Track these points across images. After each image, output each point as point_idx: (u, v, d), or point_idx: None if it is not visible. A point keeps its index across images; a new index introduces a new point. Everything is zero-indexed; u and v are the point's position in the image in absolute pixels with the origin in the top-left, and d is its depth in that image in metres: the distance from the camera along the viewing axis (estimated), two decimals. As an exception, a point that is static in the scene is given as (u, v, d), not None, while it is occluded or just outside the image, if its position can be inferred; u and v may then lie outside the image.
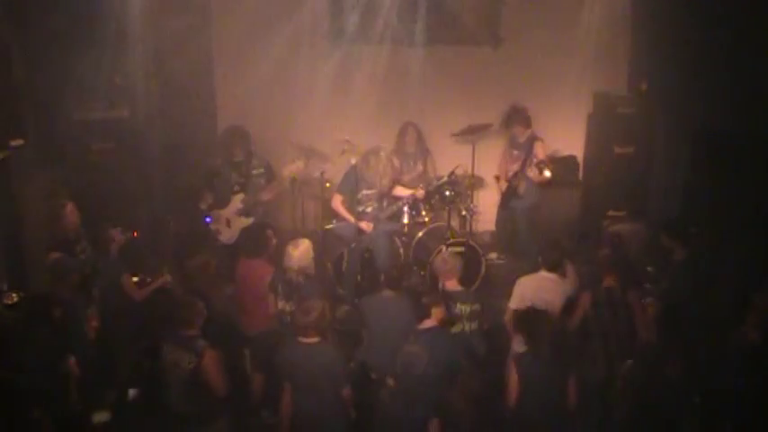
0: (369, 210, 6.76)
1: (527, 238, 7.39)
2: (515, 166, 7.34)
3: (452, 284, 5.45)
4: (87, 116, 7.00)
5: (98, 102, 7.05)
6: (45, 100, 6.64)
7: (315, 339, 4.54)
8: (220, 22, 7.94)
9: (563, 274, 5.44)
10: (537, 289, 5.27)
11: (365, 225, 6.61)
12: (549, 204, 7.86)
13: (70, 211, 5.71)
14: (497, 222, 7.91)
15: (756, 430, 4.30)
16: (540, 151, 7.16)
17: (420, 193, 6.91)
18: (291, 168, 7.08)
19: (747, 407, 4.27)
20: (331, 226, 7.08)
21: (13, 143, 5.68)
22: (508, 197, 7.48)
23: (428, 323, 4.85)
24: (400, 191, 6.97)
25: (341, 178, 6.97)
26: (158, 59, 7.35)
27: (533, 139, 7.25)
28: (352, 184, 6.70)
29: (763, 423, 4.22)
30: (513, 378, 4.59)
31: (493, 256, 7.67)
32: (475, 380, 5.10)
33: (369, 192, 6.71)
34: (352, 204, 6.70)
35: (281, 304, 5.36)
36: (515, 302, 5.28)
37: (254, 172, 7.01)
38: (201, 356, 4.46)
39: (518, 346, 5.26)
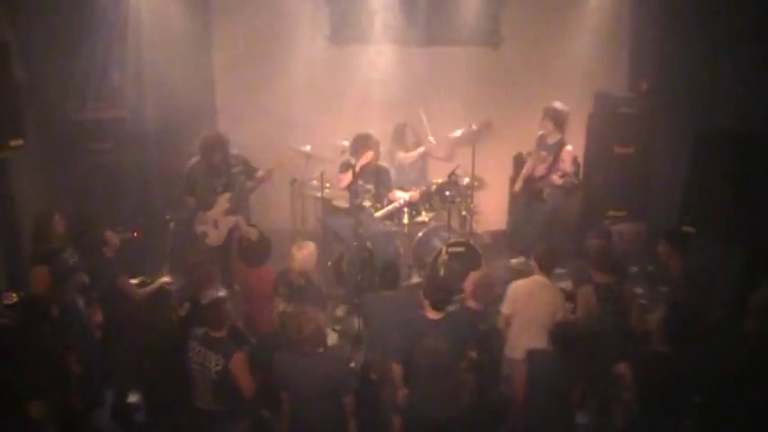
0: (366, 203, 6.77)
1: (541, 241, 7.29)
2: (542, 168, 7.25)
3: None
4: (87, 116, 7.00)
5: (98, 102, 7.05)
6: (45, 100, 6.64)
7: (319, 350, 4.51)
8: (220, 22, 7.95)
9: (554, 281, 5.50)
10: (529, 293, 5.27)
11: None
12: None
13: (57, 222, 5.68)
14: (514, 223, 7.82)
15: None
16: (566, 157, 7.09)
17: (414, 196, 6.90)
18: (273, 164, 7.05)
19: (748, 408, 4.26)
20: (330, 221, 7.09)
21: (13, 143, 5.67)
22: (531, 199, 7.38)
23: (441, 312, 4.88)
24: (396, 194, 6.97)
25: (341, 164, 6.96)
26: (158, 60, 7.34)
27: (562, 143, 7.16)
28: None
29: (763, 425, 4.21)
30: (521, 374, 4.58)
31: (514, 261, 7.51)
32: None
33: (367, 185, 6.73)
34: (351, 195, 6.74)
35: (282, 306, 5.35)
36: (507, 307, 5.29)
37: (234, 170, 6.99)
38: (229, 359, 4.49)
39: (510, 351, 5.30)
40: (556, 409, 4.48)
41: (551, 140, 7.21)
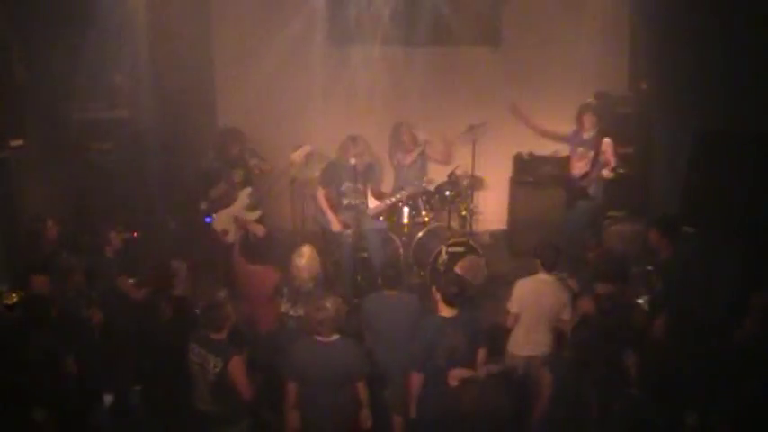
0: (356, 202, 6.78)
1: (578, 239, 7.12)
2: (581, 165, 7.09)
3: None
4: (87, 116, 7.01)
5: (98, 102, 7.05)
6: (45, 100, 6.64)
7: (333, 337, 4.52)
8: (220, 22, 7.95)
9: (559, 277, 5.47)
10: (536, 292, 5.27)
11: (335, 223, 6.66)
12: (549, 204, 7.89)
13: (49, 228, 5.68)
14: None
15: None
16: (608, 149, 6.90)
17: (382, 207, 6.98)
18: (299, 153, 7.03)
19: (747, 407, 4.27)
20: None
21: (13, 143, 5.68)
22: (574, 199, 7.21)
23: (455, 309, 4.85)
24: (373, 201, 7.00)
25: (322, 171, 6.98)
26: (158, 59, 7.35)
27: (600, 137, 6.98)
28: (333, 175, 6.74)
29: (762, 424, 4.22)
30: (545, 380, 4.55)
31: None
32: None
33: (356, 185, 6.74)
34: (337, 198, 6.75)
35: (285, 307, 5.34)
36: (515, 305, 5.29)
37: (251, 163, 6.98)
38: (227, 362, 4.49)
39: (515, 348, 5.30)
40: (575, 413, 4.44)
41: (587, 135, 7.06)
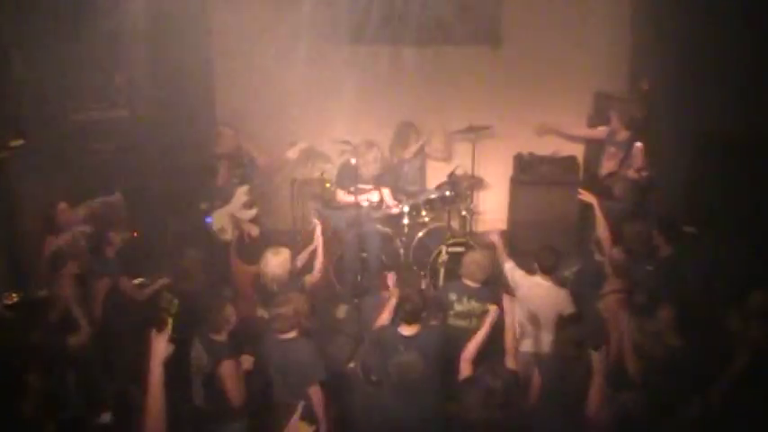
0: (365, 203, 6.83)
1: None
2: (611, 164, 7.08)
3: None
4: (87, 116, 7.01)
5: (98, 102, 7.06)
6: (45, 100, 6.64)
7: (291, 335, 4.55)
8: (220, 21, 7.95)
9: (557, 281, 5.48)
10: (530, 291, 5.35)
11: (343, 221, 6.79)
12: (549, 204, 7.88)
13: (61, 211, 5.71)
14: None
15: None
16: (638, 154, 6.88)
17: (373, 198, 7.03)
18: (294, 151, 7.06)
19: (747, 408, 4.27)
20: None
21: (13, 143, 5.68)
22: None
23: (415, 327, 4.78)
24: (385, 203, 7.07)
25: (337, 174, 7.07)
26: (158, 59, 7.35)
27: (634, 139, 6.99)
28: (348, 177, 6.78)
29: (762, 424, 4.22)
30: (535, 379, 4.57)
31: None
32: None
33: (365, 186, 6.78)
34: (348, 197, 6.83)
35: (260, 312, 5.34)
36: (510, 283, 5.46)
37: (245, 160, 7.01)
38: (218, 364, 4.50)
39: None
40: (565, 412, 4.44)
41: (621, 137, 7.06)
